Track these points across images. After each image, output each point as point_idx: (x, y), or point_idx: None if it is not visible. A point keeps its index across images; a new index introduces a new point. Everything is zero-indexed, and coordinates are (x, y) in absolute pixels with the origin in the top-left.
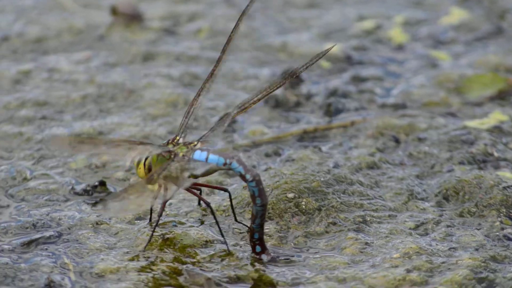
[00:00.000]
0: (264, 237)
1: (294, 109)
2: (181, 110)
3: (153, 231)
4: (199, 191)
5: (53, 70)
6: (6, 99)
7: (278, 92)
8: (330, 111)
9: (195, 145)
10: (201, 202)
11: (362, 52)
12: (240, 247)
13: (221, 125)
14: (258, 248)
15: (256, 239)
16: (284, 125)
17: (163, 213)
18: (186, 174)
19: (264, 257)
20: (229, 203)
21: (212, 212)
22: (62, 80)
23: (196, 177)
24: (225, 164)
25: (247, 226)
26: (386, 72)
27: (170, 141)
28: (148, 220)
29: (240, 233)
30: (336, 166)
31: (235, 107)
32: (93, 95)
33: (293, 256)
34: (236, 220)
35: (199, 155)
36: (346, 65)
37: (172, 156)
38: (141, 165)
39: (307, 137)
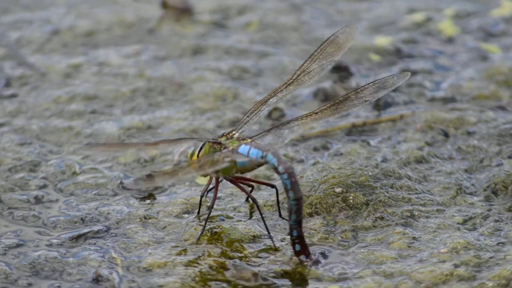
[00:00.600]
0: (305, 236)
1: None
2: (230, 104)
3: (205, 225)
4: (250, 189)
5: (103, 64)
6: (57, 93)
7: (327, 85)
8: (379, 105)
9: (248, 143)
10: (249, 198)
11: (412, 45)
12: (288, 243)
13: (277, 129)
14: (297, 247)
15: (295, 237)
16: (333, 118)
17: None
18: (227, 159)
19: (303, 258)
20: (274, 198)
21: (258, 208)
22: (111, 74)
23: (240, 172)
24: (262, 156)
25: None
26: (436, 65)
27: (225, 134)
28: (196, 214)
29: (285, 228)
30: (384, 160)
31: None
32: (143, 89)
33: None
34: (280, 216)
35: (243, 148)
36: (396, 58)
37: (222, 148)
38: (195, 156)
39: (356, 131)
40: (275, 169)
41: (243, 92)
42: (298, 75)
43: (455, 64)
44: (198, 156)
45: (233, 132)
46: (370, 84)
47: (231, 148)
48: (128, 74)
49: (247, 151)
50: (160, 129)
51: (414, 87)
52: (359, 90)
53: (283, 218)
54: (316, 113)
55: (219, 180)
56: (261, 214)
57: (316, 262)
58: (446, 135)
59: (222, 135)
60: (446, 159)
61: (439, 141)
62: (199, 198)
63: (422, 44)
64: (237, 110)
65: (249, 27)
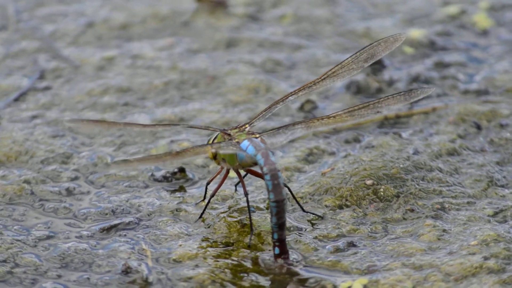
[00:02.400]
0: (286, 240)
1: (376, 96)
2: (263, 96)
3: (206, 207)
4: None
5: (137, 56)
6: (90, 85)
7: (360, 78)
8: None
9: (255, 138)
10: (239, 187)
11: (446, 37)
12: (317, 235)
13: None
14: (276, 250)
15: (275, 239)
16: (365, 111)
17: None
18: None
19: (280, 262)
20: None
21: (248, 203)
22: (145, 66)
23: (242, 165)
24: (254, 155)
25: (317, 214)
26: (470, 58)
27: (239, 127)
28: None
29: (309, 221)
30: (416, 152)
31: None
32: (176, 81)
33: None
34: (303, 210)
35: (244, 144)
36: (430, 50)
37: (228, 139)
38: (210, 142)
39: (388, 124)
40: (261, 169)
41: (275, 85)
42: (328, 76)
43: (489, 56)
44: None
45: (246, 126)
46: (393, 95)
47: (235, 141)
48: (161, 66)
49: (246, 146)
50: (192, 122)
51: (447, 79)
52: (379, 100)
53: (307, 212)
54: (329, 117)
55: (228, 169)
56: (248, 208)
57: (289, 269)
58: (478, 127)
59: (236, 127)
60: (478, 152)
61: (471, 133)
62: (231, 189)
63: (456, 37)
64: (270, 103)
65: (283, 20)
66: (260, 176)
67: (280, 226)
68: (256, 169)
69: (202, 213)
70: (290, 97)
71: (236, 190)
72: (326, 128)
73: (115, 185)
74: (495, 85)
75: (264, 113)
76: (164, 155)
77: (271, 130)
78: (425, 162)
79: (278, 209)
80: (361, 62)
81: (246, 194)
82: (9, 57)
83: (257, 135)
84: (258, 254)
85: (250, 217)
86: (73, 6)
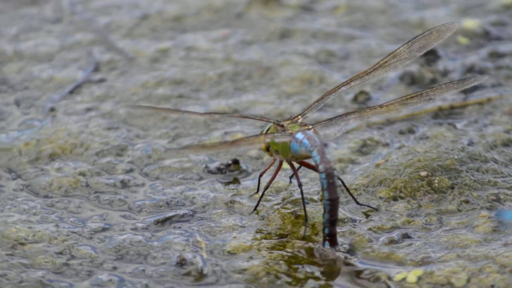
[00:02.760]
0: (337, 234)
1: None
2: (316, 87)
3: (260, 199)
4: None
5: (191, 48)
6: (145, 77)
7: (414, 69)
8: (467, 88)
9: (308, 129)
10: (293, 179)
11: (501, 27)
12: (370, 228)
13: (341, 122)
14: (326, 244)
15: (326, 234)
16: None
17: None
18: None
19: (331, 253)
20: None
21: (302, 194)
22: (199, 58)
23: (295, 157)
24: (309, 150)
25: (371, 207)
26: None
27: (291, 118)
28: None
29: (363, 212)
30: (471, 143)
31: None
32: (229, 73)
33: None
34: (357, 203)
35: (299, 136)
36: (484, 41)
37: (282, 130)
38: (264, 132)
39: (442, 114)
40: (316, 166)
41: (329, 76)
42: (380, 65)
43: None
44: (266, 132)
45: (299, 117)
46: (445, 83)
47: (289, 131)
48: (215, 58)
49: (301, 139)
50: (246, 113)
51: (502, 69)
52: (431, 89)
53: (361, 205)
54: (381, 107)
55: (281, 161)
56: (303, 199)
57: (340, 260)
58: None
59: (289, 118)
60: None
61: None
62: (285, 181)
63: (511, 27)
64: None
65: (337, 11)
66: (313, 168)
67: (331, 222)
68: (309, 161)
69: (256, 205)
70: (342, 88)
71: (290, 182)
72: (379, 118)
73: (169, 177)
74: None
75: (316, 104)
76: (219, 144)
77: (324, 121)
78: (480, 153)
79: (331, 207)
80: (414, 51)
81: (300, 185)
82: (64, 50)
83: (310, 127)
84: (312, 245)
85: (304, 209)
86: None
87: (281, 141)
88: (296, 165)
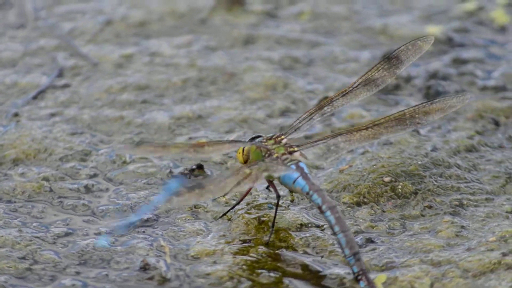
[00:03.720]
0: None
1: (393, 92)
2: (281, 93)
3: (231, 208)
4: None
5: (155, 54)
6: (109, 83)
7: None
8: (430, 94)
9: (294, 151)
10: (270, 189)
11: (464, 34)
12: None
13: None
14: (362, 284)
15: (356, 272)
16: (383, 108)
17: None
18: (265, 174)
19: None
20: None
21: (277, 203)
22: (163, 64)
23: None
24: (307, 193)
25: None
26: (488, 54)
27: (274, 137)
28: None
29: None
30: (434, 149)
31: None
32: (194, 78)
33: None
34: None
35: (291, 172)
36: (447, 47)
37: (267, 155)
38: (240, 150)
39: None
40: (319, 208)
41: (293, 82)
42: (359, 84)
43: (507, 53)
44: (243, 150)
45: (282, 137)
46: (427, 103)
47: (275, 155)
48: (179, 64)
49: (294, 178)
50: (210, 119)
51: (465, 76)
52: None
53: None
54: (367, 129)
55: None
56: (276, 208)
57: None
58: (496, 124)
59: (271, 138)
60: (496, 148)
61: (490, 130)
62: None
63: (474, 33)
64: (287, 100)
65: (301, 17)
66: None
67: (355, 256)
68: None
69: (226, 212)
70: (325, 108)
71: (269, 190)
72: (367, 142)
73: (133, 182)
74: None
75: (299, 123)
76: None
77: (309, 142)
78: (443, 159)
79: (346, 238)
80: (393, 68)
81: (278, 196)
82: (28, 55)
83: (296, 149)
84: (276, 251)
85: (275, 216)
86: (91, 4)
87: (277, 175)
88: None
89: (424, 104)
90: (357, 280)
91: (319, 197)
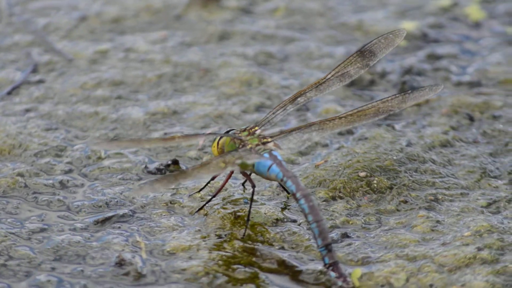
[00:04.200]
0: (339, 261)
1: (368, 88)
2: (255, 89)
3: (206, 203)
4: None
5: (130, 50)
6: (83, 79)
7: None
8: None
9: (268, 142)
10: (247, 185)
11: (438, 29)
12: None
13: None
14: (332, 275)
15: (328, 264)
16: (358, 103)
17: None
18: (238, 161)
19: (340, 283)
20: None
21: (252, 195)
22: (138, 60)
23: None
24: (281, 180)
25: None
26: (462, 50)
27: (248, 129)
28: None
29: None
30: (409, 144)
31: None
32: (169, 74)
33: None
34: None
35: (266, 158)
36: (422, 43)
37: (240, 146)
38: (215, 143)
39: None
40: (293, 195)
41: (268, 78)
42: (332, 75)
43: (481, 48)
44: (218, 144)
45: (256, 128)
46: (401, 95)
47: (249, 147)
48: (154, 60)
49: (268, 165)
50: (186, 115)
51: (439, 71)
52: (387, 99)
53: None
54: (340, 118)
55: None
56: (251, 200)
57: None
58: (471, 119)
59: (245, 129)
60: (471, 143)
61: (464, 125)
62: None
63: (448, 29)
64: (262, 95)
65: (276, 13)
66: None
67: (327, 247)
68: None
69: (202, 207)
70: (298, 98)
71: (245, 189)
72: (340, 129)
73: (108, 177)
74: (488, 77)
75: (272, 114)
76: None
77: (283, 133)
78: (418, 154)
79: (319, 228)
80: (366, 60)
81: (253, 186)
82: (2, 51)
83: (270, 139)
84: (252, 245)
85: (250, 209)
86: (66, 0)
87: (251, 162)
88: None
89: (397, 95)
90: (328, 270)
91: (293, 184)
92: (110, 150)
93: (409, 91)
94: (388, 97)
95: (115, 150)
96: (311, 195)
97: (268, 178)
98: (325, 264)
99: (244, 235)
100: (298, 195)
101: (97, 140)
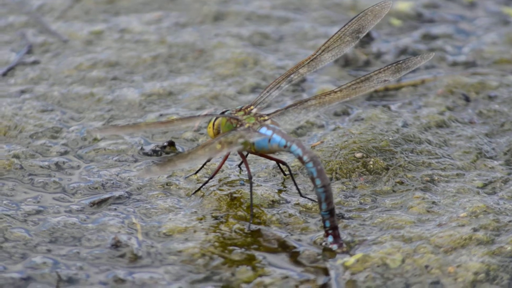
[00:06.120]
0: (338, 226)
1: (363, 68)
2: (251, 70)
3: (203, 184)
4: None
5: (125, 30)
6: (78, 60)
7: (348, 50)
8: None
9: (264, 120)
10: (242, 167)
11: (433, 9)
12: (301, 212)
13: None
14: (330, 238)
15: (328, 227)
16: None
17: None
18: (241, 140)
19: (335, 247)
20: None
21: (251, 186)
22: (133, 40)
23: (255, 151)
24: (285, 146)
25: (312, 200)
26: (457, 30)
27: (243, 108)
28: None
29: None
30: (405, 125)
31: (312, 97)
32: (164, 55)
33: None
34: (301, 195)
35: (265, 131)
36: (417, 23)
37: (238, 125)
38: (211, 125)
39: (377, 96)
40: (300, 159)
41: (263, 58)
42: (323, 51)
43: (476, 28)
44: (214, 125)
45: (251, 107)
46: (393, 65)
47: (246, 126)
48: (149, 40)
49: (269, 135)
50: (181, 96)
51: (435, 51)
52: (381, 70)
53: (303, 197)
54: (336, 92)
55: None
56: (251, 193)
57: (346, 252)
58: (467, 99)
59: (240, 109)
60: (466, 124)
61: (460, 105)
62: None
63: (443, 9)
64: (258, 76)
65: None
66: (270, 158)
67: (331, 212)
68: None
69: (199, 189)
70: (291, 75)
71: (240, 170)
72: (338, 104)
73: (104, 159)
74: (483, 57)
75: (266, 93)
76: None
77: (280, 110)
78: (414, 135)
79: (326, 193)
80: (355, 33)
81: (250, 177)
82: None
83: (267, 117)
84: (247, 227)
85: (251, 203)
86: None
87: (253, 140)
88: (244, 153)
89: (389, 66)
90: (327, 233)
91: (298, 147)
92: (112, 135)
93: (401, 61)
94: (382, 68)
95: (115, 135)
96: (318, 157)
97: (270, 151)
98: (325, 227)
99: (249, 228)
100: (305, 158)
101: (96, 127)
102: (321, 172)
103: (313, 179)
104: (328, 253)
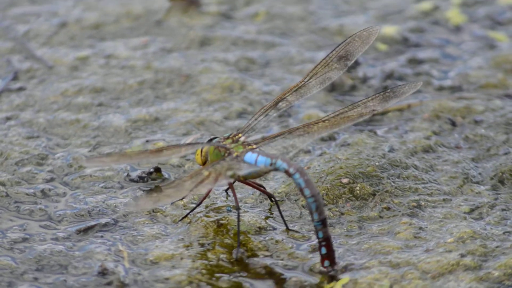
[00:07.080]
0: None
1: (350, 93)
2: (237, 95)
3: (191, 211)
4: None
5: (110, 56)
6: (64, 86)
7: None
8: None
9: (253, 148)
10: (229, 192)
11: (419, 34)
12: (288, 238)
13: (283, 138)
14: (323, 250)
15: (321, 238)
16: (340, 108)
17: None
18: (229, 173)
19: (327, 264)
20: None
21: (238, 217)
22: (119, 66)
23: (244, 178)
24: (271, 164)
25: (300, 232)
26: (443, 54)
27: (231, 136)
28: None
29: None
30: (391, 150)
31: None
32: (150, 81)
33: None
34: (288, 228)
35: (249, 156)
36: (403, 47)
37: (226, 154)
38: (198, 151)
39: (363, 121)
40: (287, 172)
41: (250, 83)
42: (310, 77)
43: (462, 53)
44: (201, 152)
45: (239, 135)
46: (381, 94)
47: (235, 154)
48: (135, 66)
49: (254, 159)
50: (167, 121)
51: (421, 76)
52: (368, 99)
53: (290, 230)
54: (324, 121)
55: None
56: (238, 223)
57: (336, 271)
58: (453, 124)
59: (228, 137)
60: (453, 148)
61: (446, 130)
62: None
63: (429, 33)
64: (244, 101)
65: (256, 18)
66: (255, 187)
67: (323, 222)
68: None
69: (186, 215)
70: (279, 103)
71: (227, 195)
72: (325, 134)
73: (90, 186)
74: (469, 81)
75: (255, 120)
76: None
77: (267, 138)
78: (401, 160)
79: (317, 203)
80: (343, 60)
81: (238, 208)
82: None
83: (255, 146)
84: (234, 254)
85: (238, 232)
86: (46, 6)
87: (227, 180)
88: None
89: (377, 95)
90: (320, 245)
91: (283, 162)
92: (100, 166)
93: (388, 90)
94: (369, 97)
95: (105, 166)
96: (304, 169)
97: (259, 174)
98: (318, 239)
99: (237, 257)
100: (291, 170)
101: (83, 155)
102: (309, 182)
103: (301, 190)
104: (315, 279)
